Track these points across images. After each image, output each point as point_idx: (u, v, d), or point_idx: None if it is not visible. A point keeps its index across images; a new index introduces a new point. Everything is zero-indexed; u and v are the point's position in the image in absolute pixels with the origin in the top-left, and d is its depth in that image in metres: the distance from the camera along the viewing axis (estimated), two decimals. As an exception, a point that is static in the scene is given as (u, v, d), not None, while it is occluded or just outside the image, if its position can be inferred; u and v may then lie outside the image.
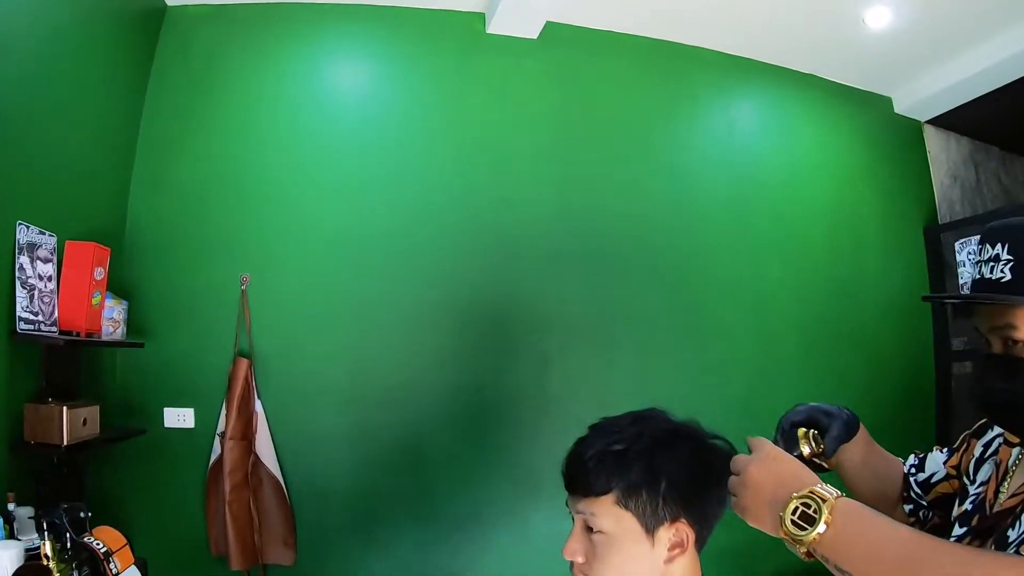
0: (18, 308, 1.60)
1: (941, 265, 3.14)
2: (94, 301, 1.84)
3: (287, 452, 2.25)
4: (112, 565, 1.40)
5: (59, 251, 1.79)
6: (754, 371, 2.73)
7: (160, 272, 2.23)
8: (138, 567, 1.53)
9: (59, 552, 1.29)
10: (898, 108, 3.25)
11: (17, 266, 1.62)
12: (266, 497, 2.16)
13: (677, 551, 0.78)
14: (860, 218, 3.03)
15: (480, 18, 2.59)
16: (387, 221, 2.41)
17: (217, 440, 2.14)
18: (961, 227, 3.10)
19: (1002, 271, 0.72)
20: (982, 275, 0.74)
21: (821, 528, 0.61)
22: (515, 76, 2.61)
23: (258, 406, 2.22)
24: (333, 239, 2.37)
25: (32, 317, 1.65)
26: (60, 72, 1.85)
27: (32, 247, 1.69)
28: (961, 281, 3.01)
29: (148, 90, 2.31)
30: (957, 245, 3.05)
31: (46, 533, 1.29)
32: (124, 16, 2.20)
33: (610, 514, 0.79)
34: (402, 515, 2.31)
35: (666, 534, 0.78)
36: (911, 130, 3.24)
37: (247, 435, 2.16)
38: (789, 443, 0.91)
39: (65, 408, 1.62)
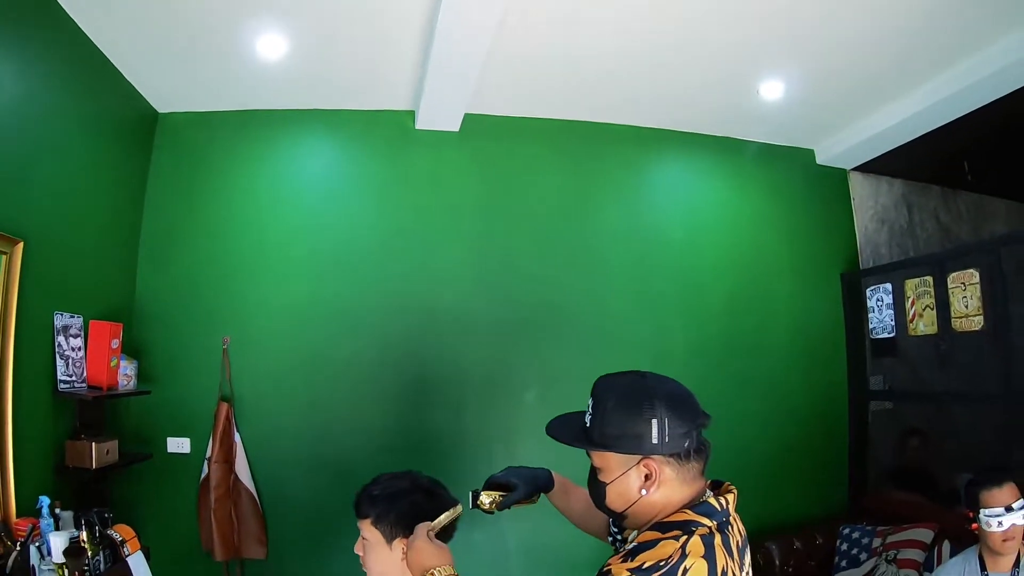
0: (58, 373, 2.44)
1: (860, 308, 3.59)
2: (112, 363, 2.68)
3: (260, 471, 3.05)
4: (125, 549, 2.22)
5: (85, 328, 2.63)
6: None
7: (162, 335, 3.07)
8: (144, 554, 2.34)
9: (91, 539, 2.11)
10: (820, 159, 3.74)
11: (56, 344, 2.47)
12: (244, 505, 2.97)
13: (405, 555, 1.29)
14: (772, 268, 3.57)
15: (411, 115, 3.36)
16: (335, 290, 3.19)
17: (206, 463, 2.96)
18: (879, 273, 3.56)
19: (587, 419, 1.15)
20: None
21: None
22: (440, 165, 3.36)
23: (237, 437, 3.03)
24: (294, 306, 3.17)
25: (68, 379, 2.49)
26: (75, 174, 2.60)
27: (66, 328, 2.53)
28: (871, 326, 3.52)
29: (147, 186, 3.15)
30: (868, 291, 3.57)
31: (83, 527, 2.11)
32: (124, 122, 3.00)
33: (369, 529, 1.37)
34: (345, 520, 3.07)
35: (399, 544, 1.33)
36: (835, 178, 3.80)
37: (228, 459, 2.97)
38: (477, 495, 1.41)
39: (94, 443, 2.45)
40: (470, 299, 3.29)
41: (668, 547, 0.99)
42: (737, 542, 1.08)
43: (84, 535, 2.10)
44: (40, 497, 2.15)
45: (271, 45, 2.74)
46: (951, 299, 3.03)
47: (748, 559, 1.13)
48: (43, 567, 2.02)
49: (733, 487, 1.15)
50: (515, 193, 3.42)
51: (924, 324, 3.23)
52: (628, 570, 0.97)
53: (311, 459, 3.12)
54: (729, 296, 3.54)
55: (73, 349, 2.56)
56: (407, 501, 1.38)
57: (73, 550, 2.05)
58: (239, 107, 3.26)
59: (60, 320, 2.50)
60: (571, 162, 3.50)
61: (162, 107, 3.22)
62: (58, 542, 2.05)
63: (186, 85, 3.07)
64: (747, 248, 3.61)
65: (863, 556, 3.10)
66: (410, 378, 3.22)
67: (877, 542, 3.08)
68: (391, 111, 3.36)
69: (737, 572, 1.04)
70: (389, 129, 3.35)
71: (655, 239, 3.51)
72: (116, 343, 2.69)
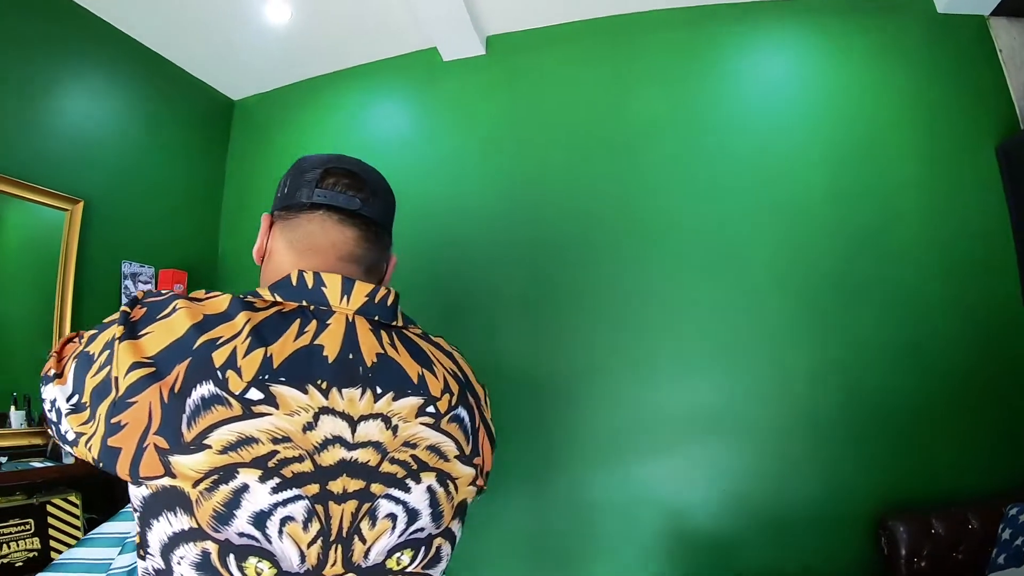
0: (120, 311, 3.12)
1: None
2: (176, 306, 3.31)
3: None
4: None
5: (156, 276, 3.31)
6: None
7: (238, 288, 3.66)
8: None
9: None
10: (943, 6, 2.84)
11: (123, 287, 3.16)
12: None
13: None
14: (892, 151, 2.74)
15: (435, 51, 3.46)
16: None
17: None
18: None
19: None
20: None
21: None
22: (469, 91, 3.37)
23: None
24: None
25: (132, 315, 3.17)
26: (163, 150, 3.38)
27: (135, 275, 3.22)
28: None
29: (227, 163, 3.82)
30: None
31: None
32: (210, 108, 3.76)
33: None
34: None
35: None
36: (969, 28, 2.86)
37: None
38: None
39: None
40: (512, 225, 3.17)
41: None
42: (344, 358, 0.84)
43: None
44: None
45: (279, 13, 3.12)
46: None
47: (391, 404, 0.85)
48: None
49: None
50: (552, 107, 3.24)
51: None
52: None
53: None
54: (833, 189, 2.79)
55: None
56: None
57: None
58: (288, 82, 3.78)
59: (128, 268, 3.18)
60: (610, 63, 3.19)
61: (235, 95, 3.90)
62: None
63: (238, 71, 3.65)
64: (853, 130, 2.82)
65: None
66: (444, 310, 3.23)
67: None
68: (418, 52, 3.51)
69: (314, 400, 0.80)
70: (419, 69, 3.50)
71: (722, 131, 2.97)
72: (179, 288, 3.32)
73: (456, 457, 0.89)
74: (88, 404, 0.77)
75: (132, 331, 0.79)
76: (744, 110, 2.93)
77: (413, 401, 0.86)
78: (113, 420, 0.73)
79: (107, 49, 3.15)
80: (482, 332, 3.12)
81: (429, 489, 0.86)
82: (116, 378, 0.75)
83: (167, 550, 0.74)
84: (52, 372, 0.84)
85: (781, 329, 2.70)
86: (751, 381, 2.68)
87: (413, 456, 0.85)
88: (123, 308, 0.84)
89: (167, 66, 3.49)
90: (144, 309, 0.82)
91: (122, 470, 0.73)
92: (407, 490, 0.84)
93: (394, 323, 0.93)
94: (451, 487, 0.89)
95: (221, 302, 0.83)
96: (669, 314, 2.84)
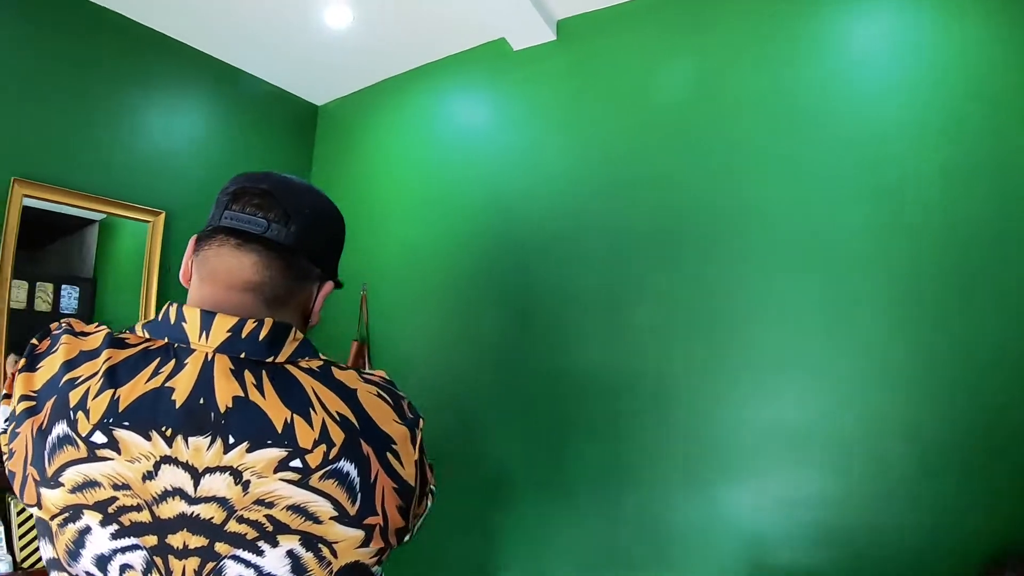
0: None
1: None
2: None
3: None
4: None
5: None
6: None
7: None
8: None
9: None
10: None
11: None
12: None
13: None
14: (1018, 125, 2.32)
15: (503, 42, 3.35)
16: (461, 232, 3.34)
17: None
18: None
19: None
20: None
21: None
22: (541, 79, 3.24)
23: (371, 377, 3.48)
24: (417, 248, 3.47)
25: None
26: (246, 159, 3.57)
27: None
28: None
29: (313, 166, 3.95)
30: None
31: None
32: (295, 116, 3.92)
33: None
34: (464, 466, 3.16)
35: None
36: None
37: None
38: None
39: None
40: (588, 217, 3.00)
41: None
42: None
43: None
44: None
45: (339, 17, 3.16)
46: None
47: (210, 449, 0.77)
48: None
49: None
50: (629, 91, 3.02)
51: None
52: None
53: (432, 395, 3.31)
54: (948, 168, 2.38)
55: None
56: None
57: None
58: (365, 84, 3.85)
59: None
60: (691, 40, 2.91)
61: (318, 100, 4.03)
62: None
63: (318, 77, 3.76)
64: (974, 98, 2.37)
65: None
66: (518, 311, 3.12)
67: None
68: (487, 44, 3.43)
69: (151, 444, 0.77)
70: (489, 62, 3.42)
71: (818, 109, 2.60)
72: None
73: (334, 519, 0.78)
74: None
75: (32, 363, 0.83)
76: (843, 85, 2.56)
77: (272, 454, 0.77)
78: (8, 446, 0.79)
79: (188, 70, 3.37)
80: (553, 333, 2.98)
81: (291, 554, 0.76)
82: (14, 409, 0.80)
83: (47, 571, 0.79)
84: (4, 392, 0.88)
85: (880, 334, 2.33)
86: (844, 395, 2.35)
87: (268, 516, 0.76)
88: (32, 341, 0.87)
89: (248, 79, 3.67)
90: (48, 341, 0.86)
91: (18, 493, 0.78)
92: (259, 553, 0.75)
93: (271, 359, 0.84)
94: (325, 551, 0.78)
95: (96, 338, 0.84)
96: (754, 317, 2.56)
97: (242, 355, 0.82)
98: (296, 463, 0.77)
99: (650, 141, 2.91)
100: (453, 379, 3.28)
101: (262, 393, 0.80)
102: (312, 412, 0.81)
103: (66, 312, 3.14)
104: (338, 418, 0.82)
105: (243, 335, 0.83)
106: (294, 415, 0.80)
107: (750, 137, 2.69)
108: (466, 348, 3.26)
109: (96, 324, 0.89)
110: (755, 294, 2.56)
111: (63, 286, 3.13)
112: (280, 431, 0.78)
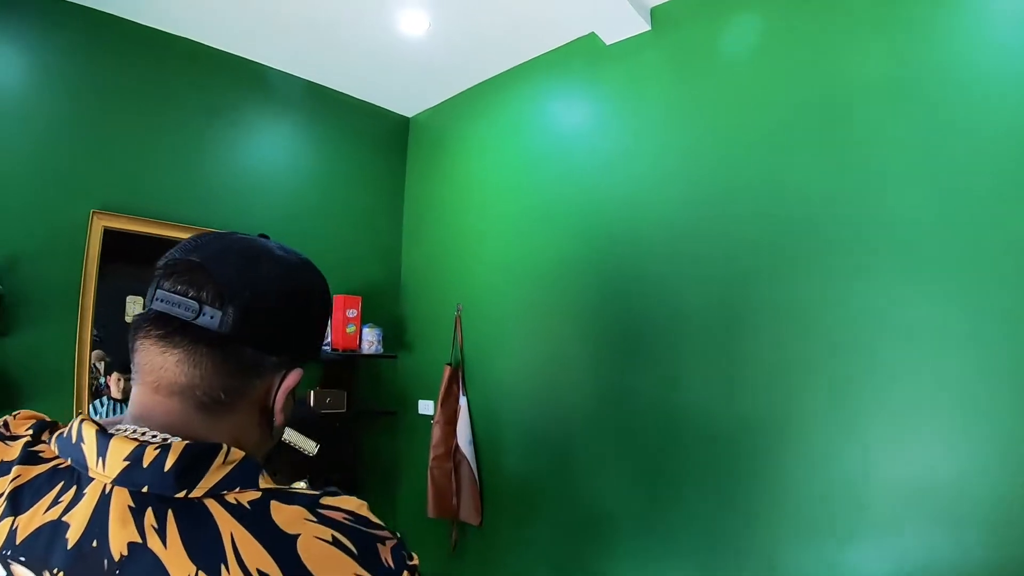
0: (295, 335, 3.30)
1: None
2: (349, 330, 3.40)
3: (481, 434, 3.27)
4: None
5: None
6: None
7: (417, 305, 3.70)
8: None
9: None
10: None
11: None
12: (463, 471, 3.23)
13: None
14: None
15: (594, 37, 3.07)
16: (559, 246, 3.10)
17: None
18: None
19: None
20: None
21: None
22: (639, 71, 2.93)
23: (463, 401, 3.33)
24: (511, 265, 3.27)
25: (307, 340, 3.33)
26: (335, 177, 3.59)
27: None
28: None
29: (406, 178, 3.89)
30: None
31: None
32: (386, 130, 3.89)
33: None
34: (555, 496, 2.96)
35: None
36: None
37: (451, 421, 3.30)
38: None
39: (312, 391, 3.20)
40: (699, 226, 2.65)
41: None
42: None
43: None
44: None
45: (416, 24, 3.03)
46: None
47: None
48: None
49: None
50: (737, 81, 2.62)
51: None
52: None
53: (526, 426, 3.14)
54: None
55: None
56: None
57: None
58: (454, 92, 3.72)
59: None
60: (808, 16, 2.47)
61: (408, 112, 3.96)
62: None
63: (406, 89, 3.69)
64: None
65: None
66: (623, 334, 2.84)
67: None
68: (577, 40, 3.16)
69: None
70: (580, 59, 3.14)
71: (968, 95, 2.10)
72: (353, 313, 3.41)
73: None
74: None
75: None
76: (1000, 64, 2.07)
77: None
78: None
79: (273, 93, 3.42)
80: (661, 361, 2.69)
81: None
82: None
83: None
84: None
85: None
86: (1005, 447, 1.88)
87: None
88: None
89: (337, 96, 3.67)
90: None
91: None
92: None
93: (182, 493, 0.66)
94: None
95: (15, 448, 0.72)
96: (885, 345, 2.12)
97: (144, 489, 0.65)
98: None
99: (764, 140, 2.50)
100: (550, 410, 3.06)
101: (163, 540, 0.63)
102: (224, 570, 0.62)
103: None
104: None
105: (144, 464, 0.65)
106: (199, 571, 0.62)
107: (881, 132, 2.22)
108: (565, 376, 3.02)
109: (30, 424, 0.75)
110: (888, 317, 2.12)
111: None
112: None
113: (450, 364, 3.39)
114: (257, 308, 0.74)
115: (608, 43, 3.02)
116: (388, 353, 3.58)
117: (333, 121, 3.63)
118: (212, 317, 0.71)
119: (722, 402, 2.48)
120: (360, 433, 3.54)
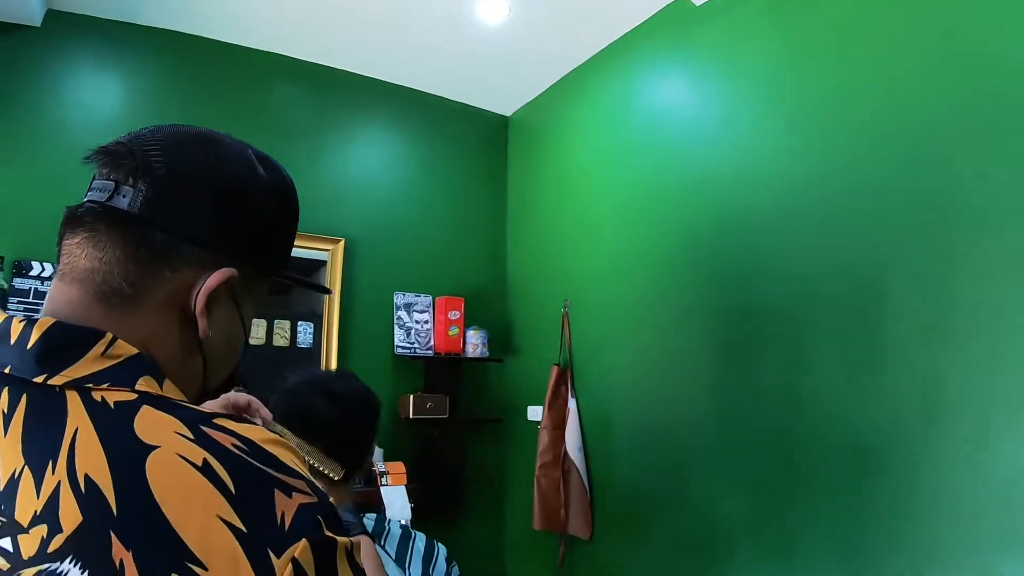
0: (396, 340, 3.27)
1: None
2: (451, 332, 3.35)
3: (592, 439, 3.06)
4: (384, 480, 2.80)
5: (433, 304, 3.41)
6: None
7: (525, 307, 3.58)
8: (406, 492, 2.84)
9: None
10: None
11: (396, 317, 3.32)
12: (572, 482, 3.01)
13: None
14: None
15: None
16: (670, 233, 2.86)
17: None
18: None
19: None
20: None
21: None
22: (732, 33, 2.68)
23: (572, 404, 3.13)
24: (623, 262, 3.05)
25: (408, 345, 3.29)
26: (436, 181, 3.62)
27: (409, 305, 3.36)
28: None
29: (508, 176, 3.83)
30: None
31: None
32: (487, 130, 3.88)
33: None
34: (669, 509, 2.69)
35: None
36: None
37: (559, 426, 3.11)
38: None
39: (412, 396, 3.15)
40: (825, 200, 2.28)
41: None
42: None
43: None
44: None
45: (495, 13, 2.98)
46: None
47: None
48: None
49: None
50: (854, 34, 2.25)
51: None
52: None
53: (639, 430, 2.89)
54: None
55: (418, 322, 3.37)
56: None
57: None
58: (548, 84, 3.63)
59: (401, 298, 3.36)
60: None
61: (507, 110, 3.91)
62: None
63: (502, 87, 3.65)
64: None
65: None
66: (742, 324, 2.52)
67: None
68: (665, 8, 2.94)
69: None
70: (671, 27, 2.91)
71: None
72: (455, 315, 3.36)
73: None
74: None
75: None
76: None
77: None
78: None
79: (362, 98, 3.51)
80: (785, 351, 2.35)
81: None
82: None
83: None
84: None
85: None
86: None
87: None
88: None
89: (431, 100, 3.71)
90: None
91: None
92: None
93: (39, 378, 0.55)
94: None
95: None
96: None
97: (7, 369, 0.57)
98: (6, 543, 0.50)
99: (894, 108, 2.11)
100: (663, 411, 2.78)
101: (5, 429, 0.54)
102: (52, 467, 0.51)
103: (302, 347, 3.33)
104: (83, 488, 0.50)
105: (11, 340, 0.58)
106: (27, 468, 0.52)
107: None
108: (679, 373, 2.73)
109: None
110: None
111: (299, 322, 3.34)
112: (2, 488, 0.52)
113: (558, 364, 3.22)
114: (176, 188, 0.64)
115: (698, 3, 2.79)
116: (494, 357, 3.48)
117: (430, 125, 3.66)
118: (124, 196, 0.62)
119: (858, 396, 2.10)
120: (464, 441, 3.44)
